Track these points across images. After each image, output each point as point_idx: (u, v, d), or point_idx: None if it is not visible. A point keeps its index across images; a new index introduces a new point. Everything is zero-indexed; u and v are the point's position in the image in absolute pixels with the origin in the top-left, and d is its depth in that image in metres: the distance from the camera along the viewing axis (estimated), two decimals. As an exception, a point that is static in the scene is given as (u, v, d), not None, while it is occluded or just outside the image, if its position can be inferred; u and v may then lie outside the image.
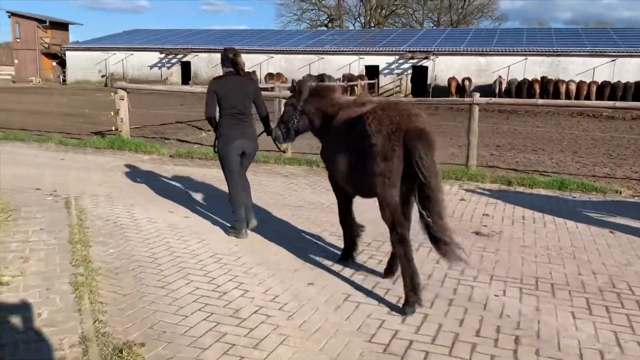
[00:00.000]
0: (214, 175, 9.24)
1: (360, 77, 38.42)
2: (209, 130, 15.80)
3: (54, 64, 54.41)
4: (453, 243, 3.72)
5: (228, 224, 6.12)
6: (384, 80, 42.06)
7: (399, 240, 3.90)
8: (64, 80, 51.84)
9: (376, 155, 3.83)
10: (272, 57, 45.35)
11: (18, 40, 53.85)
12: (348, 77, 37.38)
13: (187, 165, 10.32)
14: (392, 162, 3.79)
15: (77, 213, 6.43)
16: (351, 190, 4.47)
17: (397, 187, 3.88)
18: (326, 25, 71.92)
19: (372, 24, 70.19)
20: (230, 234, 5.77)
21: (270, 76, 39.45)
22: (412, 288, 3.91)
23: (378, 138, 3.82)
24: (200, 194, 7.85)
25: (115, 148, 11.96)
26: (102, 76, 49.54)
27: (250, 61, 45.67)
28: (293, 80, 5.32)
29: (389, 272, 4.63)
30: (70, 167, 9.75)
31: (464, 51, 39.99)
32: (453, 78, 36.27)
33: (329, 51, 44.09)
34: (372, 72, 41.85)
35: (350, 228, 4.89)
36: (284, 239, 5.72)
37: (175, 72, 48.58)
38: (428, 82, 40.32)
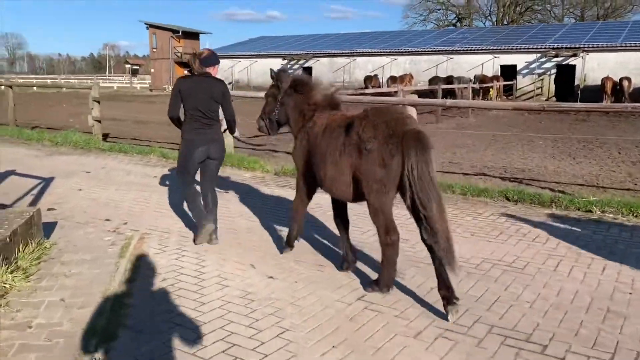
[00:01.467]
0: (322, 203, 7.16)
1: (495, 77, 34.61)
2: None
3: (186, 72, 56.54)
4: (450, 247, 3.64)
5: (336, 297, 4.19)
6: (523, 82, 37.67)
7: (391, 244, 3.94)
8: (194, 88, 53.83)
9: (373, 161, 3.76)
10: (396, 59, 42.93)
11: (154, 50, 57.11)
12: (480, 79, 33.83)
13: (291, 187, 8.38)
14: (390, 169, 3.71)
15: (127, 266, 4.67)
16: (334, 194, 4.38)
17: (392, 193, 3.86)
18: (454, 25, 67.87)
19: (505, 22, 64.81)
20: (199, 239, 5.43)
21: (392, 79, 36.99)
22: (386, 283, 4.10)
23: (374, 144, 3.74)
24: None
25: (215, 163, 10.42)
26: (228, 83, 50.53)
27: (372, 64, 43.69)
28: (271, 70, 4.98)
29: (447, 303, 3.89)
30: (158, 188, 8.27)
31: (621, 47, 34.38)
32: (608, 78, 31.04)
33: (459, 50, 40.61)
34: (509, 72, 37.67)
35: (301, 222, 4.96)
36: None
37: (297, 77, 48.08)
38: (576, 83, 35.28)
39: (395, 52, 43.29)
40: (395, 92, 28.31)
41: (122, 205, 7.16)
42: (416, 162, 3.55)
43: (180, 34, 55.52)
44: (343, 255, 4.76)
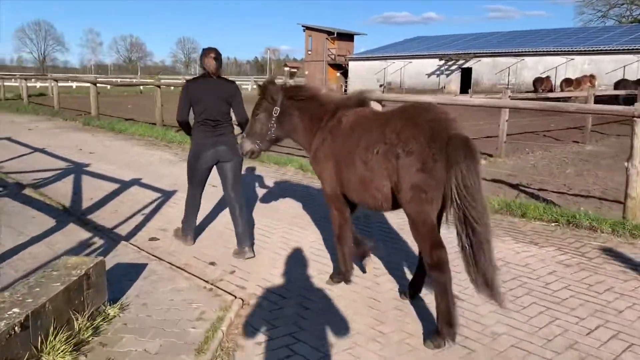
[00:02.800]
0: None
1: None
2: (490, 156, 11.41)
3: (338, 74, 56.50)
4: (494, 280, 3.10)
5: None
6: None
7: (437, 265, 3.32)
8: (346, 90, 53.21)
9: (411, 165, 3.27)
10: (572, 59, 37.58)
11: (309, 52, 57.62)
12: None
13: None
14: (433, 174, 3.23)
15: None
16: (359, 201, 3.83)
17: (435, 203, 3.31)
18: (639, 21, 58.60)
19: None
20: (176, 237, 5.35)
21: (567, 82, 32.09)
22: (448, 322, 3.30)
23: (414, 145, 3.26)
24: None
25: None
26: (380, 85, 48.96)
27: (543, 64, 38.81)
28: (255, 81, 4.65)
29: (412, 289, 4.00)
30: (289, 210, 6.58)
31: None
32: None
33: (654, 49, 34.17)
34: None
35: (353, 243, 4.21)
36: None
37: (454, 79, 44.74)
38: None
39: (572, 51, 37.90)
40: (569, 97, 24.20)
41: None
42: (466, 173, 3.08)
43: (335, 35, 55.22)
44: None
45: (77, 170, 9.14)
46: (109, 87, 35.59)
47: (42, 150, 11.30)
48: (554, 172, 9.97)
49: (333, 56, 55.40)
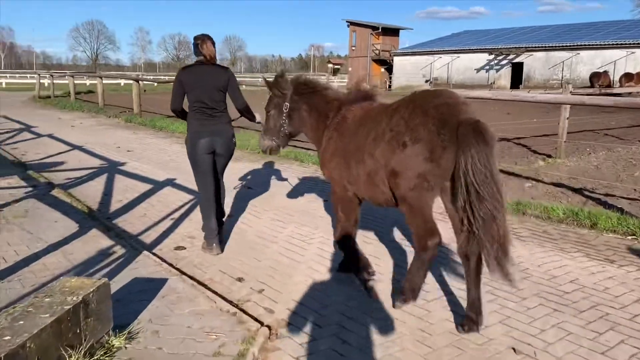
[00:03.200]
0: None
1: None
2: (549, 156, 10.49)
3: (382, 70, 55.44)
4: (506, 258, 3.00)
5: None
6: None
7: (431, 248, 3.34)
8: (390, 86, 52.14)
9: (419, 153, 3.16)
10: (633, 52, 35.36)
11: (353, 48, 56.77)
12: None
13: (534, 238, 5.41)
14: (440, 163, 3.10)
15: None
16: (376, 199, 3.68)
17: (435, 192, 3.29)
18: None
19: None
20: (204, 250, 4.94)
21: (627, 77, 30.11)
22: (412, 288, 3.53)
23: (423, 132, 3.13)
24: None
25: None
26: (426, 81, 47.69)
27: (600, 58, 36.72)
28: (264, 78, 4.51)
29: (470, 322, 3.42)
30: (326, 217, 6.00)
31: None
32: None
33: None
34: None
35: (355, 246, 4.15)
36: None
37: (504, 74, 43.02)
38: None
39: (633, 44, 35.66)
40: (629, 93, 22.51)
41: (268, 249, 5.03)
42: (477, 157, 2.91)
43: (380, 30, 54.17)
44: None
45: (111, 169, 8.85)
46: (155, 84, 35.97)
47: (81, 148, 11.14)
48: (620, 175, 8.98)
49: (377, 51, 54.37)
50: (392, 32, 56.12)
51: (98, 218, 5.80)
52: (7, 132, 13.68)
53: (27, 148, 11.22)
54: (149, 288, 3.96)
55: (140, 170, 8.79)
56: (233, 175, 8.51)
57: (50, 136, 12.99)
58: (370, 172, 3.54)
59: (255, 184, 7.88)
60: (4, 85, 40.48)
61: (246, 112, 5.08)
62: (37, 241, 4.97)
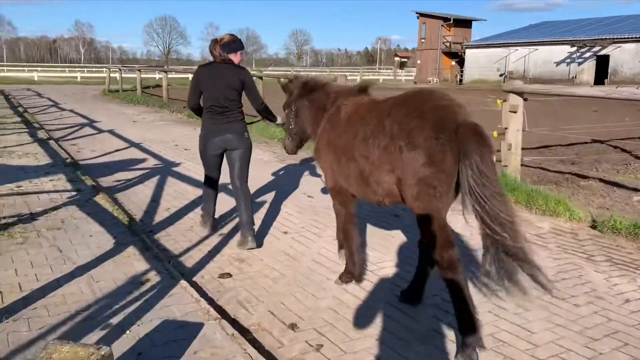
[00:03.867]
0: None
1: None
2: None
3: (453, 63, 53.19)
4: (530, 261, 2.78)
5: None
6: None
7: (448, 266, 3.01)
8: (461, 80, 49.91)
9: (417, 159, 3.00)
10: None
11: (423, 40, 54.83)
12: None
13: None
14: (441, 168, 2.95)
15: None
16: (368, 199, 3.59)
17: (447, 198, 3.05)
18: None
19: None
20: (200, 225, 5.28)
21: None
22: (470, 327, 2.96)
23: (419, 137, 2.99)
24: None
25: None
26: (500, 75, 45.19)
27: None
28: (279, 80, 4.80)
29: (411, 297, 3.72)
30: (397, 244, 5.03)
31: None
32: None
33: None
34: None
35: (356, 239, 4.04)
36: None
37: (588, 68, 39.93)
38: None
39: None
40: None
41: (329, 282, 4.12)
42: (480, 162, 2.79)
43: (452, 22, 51.94)
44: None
45: (164, 171, 8.26)
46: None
47: (138, 145, 10.71)
48: None
49: (448, 44, 52.20)
50: (464, 23, 53.66)
51: (138, 232, 5.10)
52: (69, 127, 13.58)
53: (85, 144, 10.92)
54: (179, 337, 3.16)
55: (194, 172, 8.14)
56: (290, 180, 7.67)
57: (111, 132, 12.73)
58: (362, 172, 3.43)
59: (316, 193, 7.00)
60: (79, 79, 42.00)
61: (265, 113, 5.09)
62: (64, 261, 4.31)
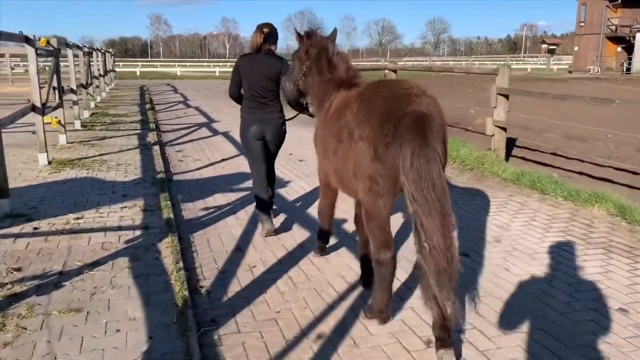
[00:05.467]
0: None
1: None
2: None
3: (619, 49, 45.98)
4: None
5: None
6: None
7: (383, 263, 3.04)
8: (628, 69, 42.85)
9: (365, 151, 2.89)
10: None
11: (582, 24, 48.19)
12: None
13: None
14: (384, 162, 2.81)
15: None
16: (348, 194, 3.51)
17: (389, 197, 2.94)
18: None
19: None
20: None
21: None
22: (379, 309, 3.17)
23: (366, 129, 2.89)
24: None
25: None
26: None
27: None
28: (296, 30, 4.03)
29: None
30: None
31: None
32: None
33: None
34: None
35: (329, 222, 4.18)
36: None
37: None
38: None
39: None
40: None
41: None
42: (413, 156, 2.62)
43: (619, 2, 44.84)
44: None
45: (267, 193, 6.42)
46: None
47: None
48: None
49: (614, 27, 45.20)
50: (635, 3, 46.07)
51: (189, 328, 3.17)
52: (185, 128, 12.52)
53: (192, 150, 9.59)
54: None
55: (309, 195, 6.21)
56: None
57: (225, 134, 11.39)
58: (336, 167, 3.34)
59: (463, 218, 4.66)
60: (217, 74, 42.98)
61: (299, 107, 4.71)
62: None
